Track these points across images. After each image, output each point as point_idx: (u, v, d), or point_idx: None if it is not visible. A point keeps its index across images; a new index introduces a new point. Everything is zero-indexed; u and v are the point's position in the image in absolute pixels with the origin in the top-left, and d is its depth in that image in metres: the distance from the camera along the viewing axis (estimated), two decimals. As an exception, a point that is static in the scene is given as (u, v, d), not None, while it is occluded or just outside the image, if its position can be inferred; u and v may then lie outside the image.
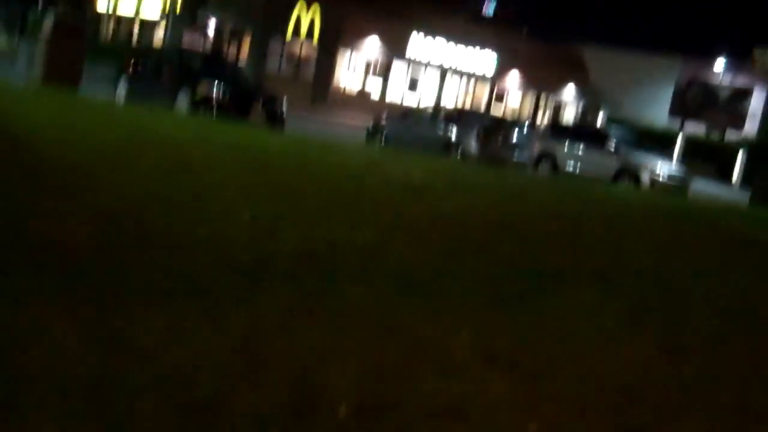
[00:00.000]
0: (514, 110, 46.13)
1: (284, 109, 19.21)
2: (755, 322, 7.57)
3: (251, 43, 38.16)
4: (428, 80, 42.45)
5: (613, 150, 24.17)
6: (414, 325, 5.04)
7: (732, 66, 50.63)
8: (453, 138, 22.39)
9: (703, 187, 32.44)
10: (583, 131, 27.38)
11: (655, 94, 55.72)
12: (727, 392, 5.09)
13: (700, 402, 4.88)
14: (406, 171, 11.54)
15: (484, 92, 44.91)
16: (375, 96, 41.18)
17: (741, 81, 51.06)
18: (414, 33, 40.83)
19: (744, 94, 51.69)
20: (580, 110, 47.72)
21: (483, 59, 43.13)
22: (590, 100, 48.07)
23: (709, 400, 4.93)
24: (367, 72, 41.45)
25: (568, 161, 24.87)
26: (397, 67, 41.37)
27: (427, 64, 41.74)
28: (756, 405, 4.95)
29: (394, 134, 23.46)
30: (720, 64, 52.05)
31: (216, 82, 18.38)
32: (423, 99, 39.93)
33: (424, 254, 7.27)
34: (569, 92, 46.36)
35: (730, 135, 50.93)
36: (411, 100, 40.38)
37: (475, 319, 5.57)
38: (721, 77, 52.75)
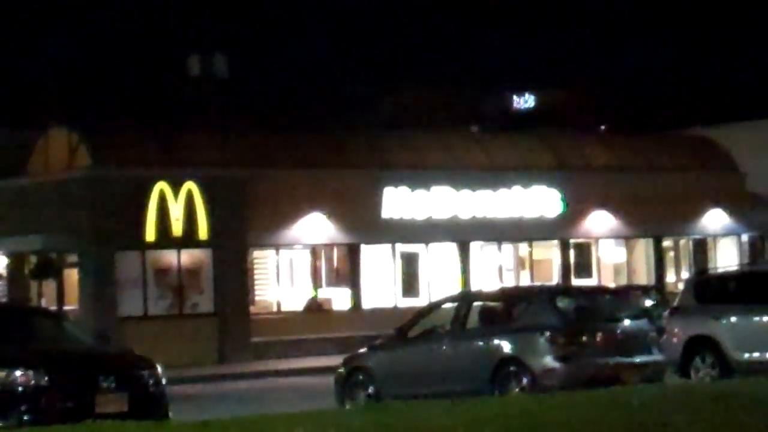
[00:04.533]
0: (616, 273, 46.13)
1: (160, 381, 19.22)
2: None
3: (80, 272, 38.45)
4: (435, 260, 42.57)
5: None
6: None
7: None
8: (506, 351, 22.37)
9: None
10: (765, 284, 27.01)
11: None
12: None
13: None
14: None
15: (549, 255, 45.05)
16: (340, 306, 41.46)
17: None
18: (390, 188, 41.52)
19: None
20: (745, 245, 47.69)
21: (539, 198, 43.58)
22: (762, 223, 48.12)
23: None
24: (315, 273, 41.81)
25: (749, 345, 24.69)
26: (370, 252, 41.73)
27: (429, 235, 42.09)
28: None
29: (390, 373, 23.63)
30: None
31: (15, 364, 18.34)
32: (432, 292, 39.72)
33: None
34: (716, 218, 46.45)
35: None
36: (412, 299, 40.16)
37: None
38: None
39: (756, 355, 24.35)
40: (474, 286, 40.47)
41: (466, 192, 42.90)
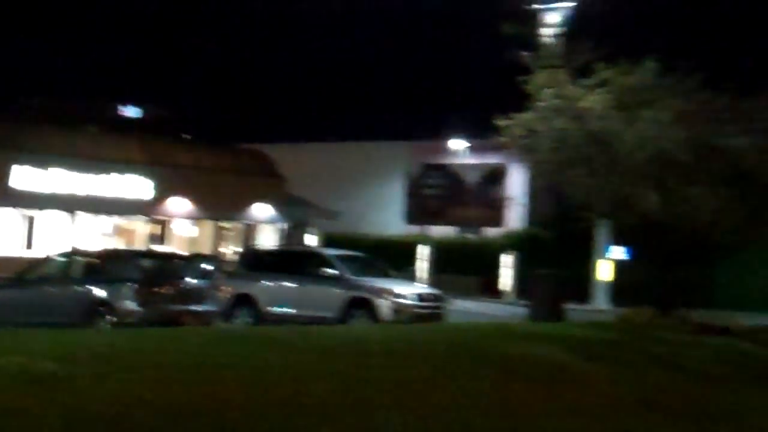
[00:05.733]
0: (189, 244, 46.35)
1: None
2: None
3: None
4: (51, 224, 41.78)
5: (337, 278, 24.99)
6: None
7: (476, 146, 53.70)
8: (99, 296, 22.36)
9: (467, 306, 34.28)
10: (291, 258, 28.19)
11: (380, 194, 58.27)
12: None
13: None
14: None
15: (139, 227, 44.89)
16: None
17: (490, 161, 54.17)
18: (17, 166, 40.49)
19: (496, 177, 55.16)
20: (282, 232, 48.73)
21: (134, 184, 43.31)
22: (296, 215, 49.36)
23: None
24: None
25: (276, 302, 25.56)
26: (1, 213, 40.74)
27: (45, 204, 41.32)
28: None
29: (7, 307, 23.26)
30: (458, 144, 54.71)
31: None
32: (47, 248, 39.17)
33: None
34: (263, 211, 47.38)
35: (489, 232, 53.86)
36: (31, 252, 39.54)
37: None
38: (463, 160, 55.80)
39: (279, 309, 25.39)
40: (80, 246, 40.02)
41: (78, 174, 42.21)
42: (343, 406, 10.42)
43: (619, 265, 42.04)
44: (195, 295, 23.39)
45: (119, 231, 44.83)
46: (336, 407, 10.32)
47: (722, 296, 41.87)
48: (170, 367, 11.51)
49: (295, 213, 49.75)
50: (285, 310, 25.30)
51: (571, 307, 28.11)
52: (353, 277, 25.25)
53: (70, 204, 42.24)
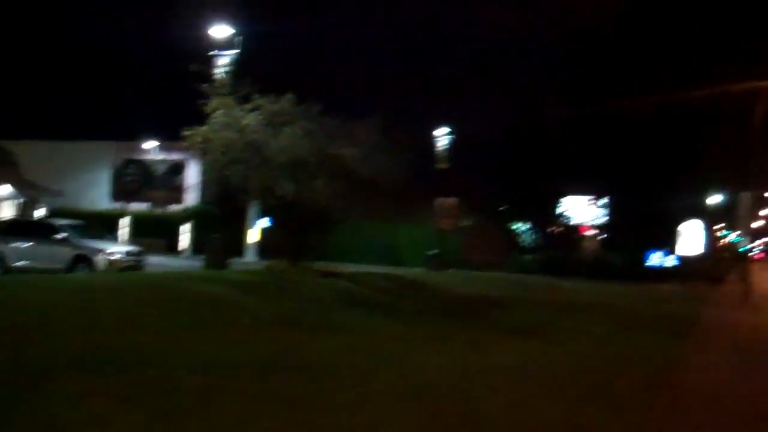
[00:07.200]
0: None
1: None
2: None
3: None
4: None
5: (64, 240, 24.41)
6: None
7: (164, 146, 54.08)
8: None
9: (157, 260, 34.22)
10: (29, 226, 27.18)
11: (93, 179, 56.73)
12: None
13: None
14: None
15: None
16: None
17: (175, 157, 54.61)
18: None
19: (178, 169, 55.42)
20: (20, 206, 46.15)
21: None
22: (29, 194, 46.87)
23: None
24: None
25: (19, 258, 24.52)
26: None
27: None
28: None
29: None
30: (151, 144, 55.39)
31: None
32: None
33: None
34: (3, 190, 44.69)
35: (173, 208, 54.06)
36: None
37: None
38: (154, 156, 55.86)
39: (21, 263, 24.45)
40: None
41: None
42: (80, 327, 10.74)
43: (264, 231, 43.42)
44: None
45: None
46: (76, 327, 10.63)
47: (333, 252, 44.09)
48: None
49: (28, 192, 47.19)
50: (27, 263, 24.39)
51: (232, 260, 28.82)
52: (76, 240, 24.75)
53: None
